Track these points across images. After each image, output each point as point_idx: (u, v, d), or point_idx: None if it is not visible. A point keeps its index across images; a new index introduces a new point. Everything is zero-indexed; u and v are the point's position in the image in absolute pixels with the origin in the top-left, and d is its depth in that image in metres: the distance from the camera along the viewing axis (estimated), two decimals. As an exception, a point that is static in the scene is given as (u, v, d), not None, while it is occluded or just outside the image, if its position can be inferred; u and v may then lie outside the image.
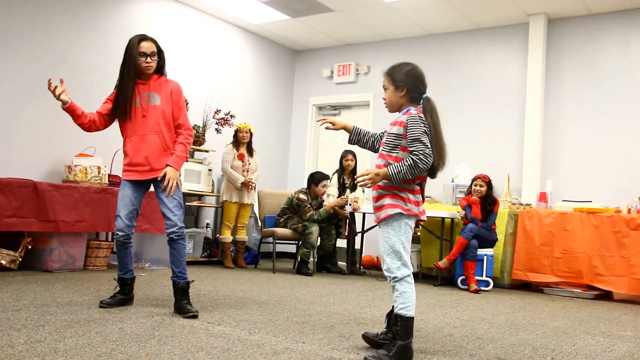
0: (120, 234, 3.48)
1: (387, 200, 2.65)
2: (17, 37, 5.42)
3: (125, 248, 3.54)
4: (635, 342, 3.45)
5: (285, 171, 8.53)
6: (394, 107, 2.78)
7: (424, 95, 2.72)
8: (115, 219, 3.51)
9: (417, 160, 2.56)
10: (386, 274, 2.65)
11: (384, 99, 2.80)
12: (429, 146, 2.58)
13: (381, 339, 2.79)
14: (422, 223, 5.93)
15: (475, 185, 5.73)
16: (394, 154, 2.66)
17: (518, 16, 6.74)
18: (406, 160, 2.58)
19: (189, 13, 7.05)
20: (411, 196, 2.66)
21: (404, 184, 2.63)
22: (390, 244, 2.63)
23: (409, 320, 2.56)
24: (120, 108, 3.48)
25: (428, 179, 2.79)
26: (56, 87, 3.34)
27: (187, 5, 7.01)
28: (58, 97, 3.35)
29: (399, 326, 2.57)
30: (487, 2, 6.43)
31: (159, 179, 3.44)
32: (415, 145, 2.58)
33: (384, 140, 2.73)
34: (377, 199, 2.69)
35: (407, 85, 2.72)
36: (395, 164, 2.60)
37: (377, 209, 2.69)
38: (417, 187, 2.70)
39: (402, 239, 2.62)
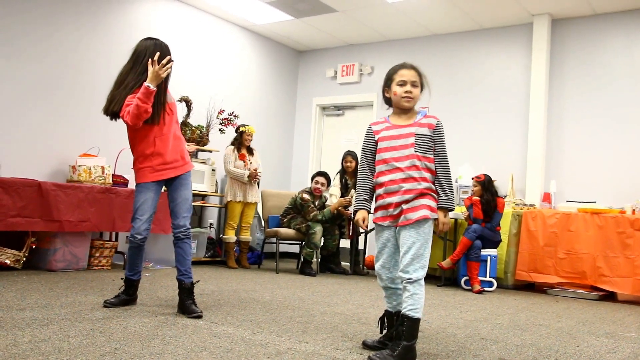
0: (139, 237, 3.48)
1: (424, 201, 2.62)
2: (19, 37, 5.43)
3: (140, 250, 3.55)
4: (639, 343, 3.44)
5: (289, 171, 8.53)
6: (413, 106, 2.76)
7: None
8: (134, 221, 3.48)
9: (450, 179, 2.70)
10: (399, 273, 2.60)
11: (410, 92, 2.70)
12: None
13: (376, 346, 2.78)
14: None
15: (473, 186, 5.77)
16: (429, 155, 2.67)
17: (522, 16, 6.72)
18: (443, 183, 2.67)
19: (193, 13, 7.06)
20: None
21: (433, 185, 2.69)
22: (418, 245, 2.59)
23: (416, 321, 2.54)
24: (157, 111, 3.41)
25: None
26: (164, 66, 3.28)
27: (191, 6, 7.03)
28: (160, 76, 3.29)
29: (405, 327, 2.55)
30: (490, 3, 6.42)
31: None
32: (443, 157, 2.69)
33: (412, 140, 2.65)
34: (408, 200, 2.62)
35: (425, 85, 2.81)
36: (445, 195, 2.67)
37: (411, 209, 2.61)
38: None
39: (429, 242, 2.63)
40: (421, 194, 2.62)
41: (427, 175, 2.65)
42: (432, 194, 2.66)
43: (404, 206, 2.63)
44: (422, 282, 2.59)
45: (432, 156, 2.68)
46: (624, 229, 5.41)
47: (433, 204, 2.64)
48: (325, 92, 8.37)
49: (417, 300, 2.55)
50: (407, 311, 2.55)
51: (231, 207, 6.42)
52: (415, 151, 2.65)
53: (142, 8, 6.49)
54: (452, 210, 2.68)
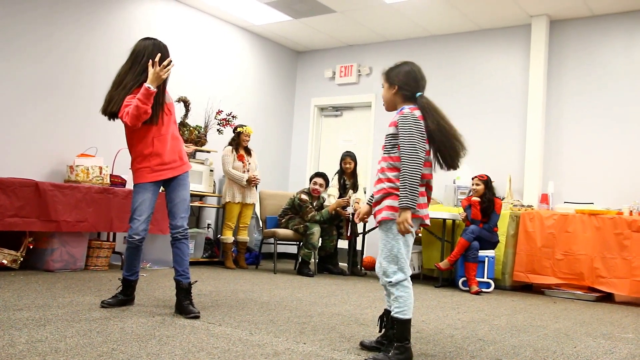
0: (137, 237, 3.48)
1: (387, 202, 2.61)
2: (18, 37, 5.42)
3: (138, 251, 3.55)
4: (636, 344, 3.44)
5: (287, 172, 8.53)
6: (389, 105, 2.77)
7: (418, 94, 2.67)
8: (132, 222, 3.47)
9: (407, 174, 2.49)
10: (382, 276, 2.65)
11: (382, 97, 2.82)
12: (417, 147, 2.52)
13: (373, 346, 2.79)
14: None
15: (473, 185, 5.76)
16: (393, 154, 2.62)
17: (520, 17, 6.73)
18: (402, 181, 2.51)
19: (191, 14, 7.06)
20: None
21: None
22: (389, 247, 2.60)
23: (405, 323, 2.55)
24: (156, 111, 3.40)
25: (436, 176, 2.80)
26: (165, 67, 3.29)
27: (189, 6, 7.02)
28: (161, 78, 3.29)
29: (395, 329, 2.57)
30: (489, 4, 6.42)
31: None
32: (403, 151, 2.53)
33: (384, 143, 2.71)
34: (379, 200, 2.65)
35: (399, 82, 2.71)
36: (401, 194, 2.50)
37: (378, 211, 2.66)
38: (422, 189, 2.64)
39: (401, 243, 2.59)
40: (387, 194, 2.62)
41: (392, 174, 2.60)
42: (397, 193, 2.58)
43: (376, 208, 2.68)
44: (406, 282, 2.59)
45: (396, 153, 2.60)
46: (622, 230, 5.42)
47: (395, 203, 2.58)
48: (323, 92, 8.37)
49: (402, 303, 2.56)
50: (395, 314, 2.57)
51: (229, 207, 6.42)
52: (384, 153, 2.67)
53: (141, 8, 6.48)
54: (407, 208, 2.49)
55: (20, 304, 3.36)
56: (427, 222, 2.70)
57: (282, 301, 4.18)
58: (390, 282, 2.59)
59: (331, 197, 6.53)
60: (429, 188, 2.71)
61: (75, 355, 2.33)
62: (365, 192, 6.86)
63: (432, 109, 2.63)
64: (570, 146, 6.51)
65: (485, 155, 6.92)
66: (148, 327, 2.98)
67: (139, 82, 3.37)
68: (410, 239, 2.64)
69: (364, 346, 2.84)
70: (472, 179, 5.81)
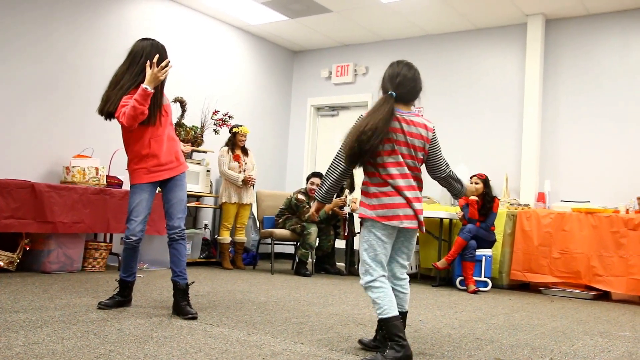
0: (134, 238, 3.47)
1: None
2: (16, 38, 5.41)
3: (135, 252, 3.54)
4: (633, 342, 3.45)
5: (284, 172, 8.53)
6: None
7: (389, 93, 2.63)
8: (129, 223, 3.47)
9: (327, 170, 2.68)
10: None
11: None
12: (343, 146, 2.60)
13: (373, 345, 2.80)
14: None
15: (472, 183, 5.74)
16: None
17: (516, 16, 6.74)
18: None
19: (188, 14, 7.05)
20: (365, 199, 2.65)
21: (364, 186, 2.66)
22: (359, 247, 2.69)
23: (390, 320, 2.54)
24: (153, 112, 3.39)
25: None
26: (163, 69, 3.28)
27: (186, 6, 7.01)
28: (159, 79, 3.29)
29: (385, 329, 2.58)
30: (485, 3, 6.43)
31: None
32: None
33: None
34: None
35: (381, 86, 2.73)
36: None
37: None
38: (383, 189, 2.59)
39: (365, 245, 2.64)
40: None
41: (364, 177, 2.71)
42: (362, 196, 2.69)
43: None
44: (376, 283, 2.58)
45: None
46: (618, 229, 5.43)
47: (362, 207, 2.66)
48: (319, 92, 8.37)
49: (379, 304, 2.56)
50: (379, 316, 2.59)
51: (226, 208, 6.41)
52: None
53: (138, 8, 6.47)
54: (316, 199, 2.75)
55: (16, 306, 3.35)
56: (396, 223, 2.58)
57: (280, 301, 4.18)
58: (362, 285, 2.63)
59: (328, 197, 6.52)
60: (397, 189, 2.58)
61: (72, 357, 2.33)
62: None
63: (373, 109, 2.61)
64: (566, 145, 6.53)
65: (481, 154, 6.93)
66: (145, 328, 2.98)
67: (136, 83, 3.36)
68: (376, 242, 2.60)
69: (363, 344, 2.84)
70: (471, 177, 5.81)
